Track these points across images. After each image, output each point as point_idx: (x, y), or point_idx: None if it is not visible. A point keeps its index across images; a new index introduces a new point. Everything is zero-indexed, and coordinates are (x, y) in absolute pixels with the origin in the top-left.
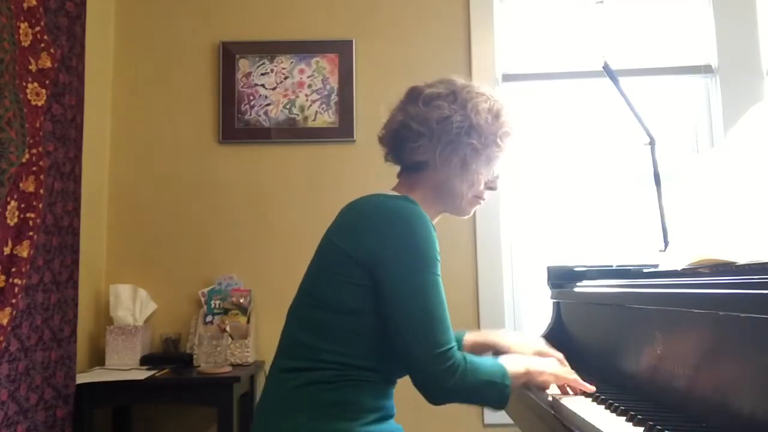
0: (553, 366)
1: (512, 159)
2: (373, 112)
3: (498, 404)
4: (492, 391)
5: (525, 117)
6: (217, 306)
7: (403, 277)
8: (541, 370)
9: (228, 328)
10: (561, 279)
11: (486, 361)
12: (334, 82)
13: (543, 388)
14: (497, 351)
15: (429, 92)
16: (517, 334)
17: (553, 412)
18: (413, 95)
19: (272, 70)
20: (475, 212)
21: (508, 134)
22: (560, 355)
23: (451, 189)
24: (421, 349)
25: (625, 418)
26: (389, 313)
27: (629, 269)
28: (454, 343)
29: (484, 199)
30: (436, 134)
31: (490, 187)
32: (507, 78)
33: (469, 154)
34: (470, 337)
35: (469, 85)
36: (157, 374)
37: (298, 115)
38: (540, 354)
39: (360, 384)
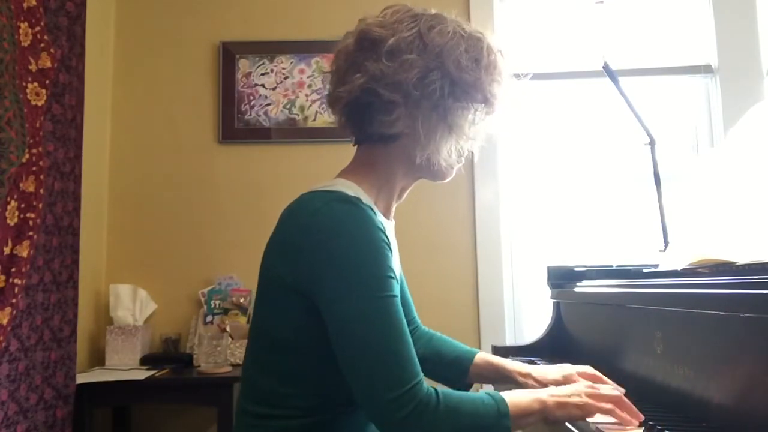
0: (580, 390)
1: (507, 106)
2: None
3: None
4: None
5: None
6: (217, 306)
7: (340, 308)
8: (563, 401)
9: (228, 328)
10: (561, 279)
11: (474, 397)
12: None
13: (572, 421)
14: (511, 380)
15: (393, 42)
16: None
17: None
18: (367, 43)
19: (272, 70)
20: (475, 213)
21: (498, 83)
22: (596, 373)
23: (434, 158)
24: (373, 395)
25: None
26: (335, 352)
27: (629, 269)
28: (416, 380)
29: (465, 158)
30: (413, 101)
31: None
32: None
33: (457, 119)
34: (482, 358)
35: (432, 18)
36: (157, 374)
37: (298, 115)
38: (567, 379)
39: (332, 422)
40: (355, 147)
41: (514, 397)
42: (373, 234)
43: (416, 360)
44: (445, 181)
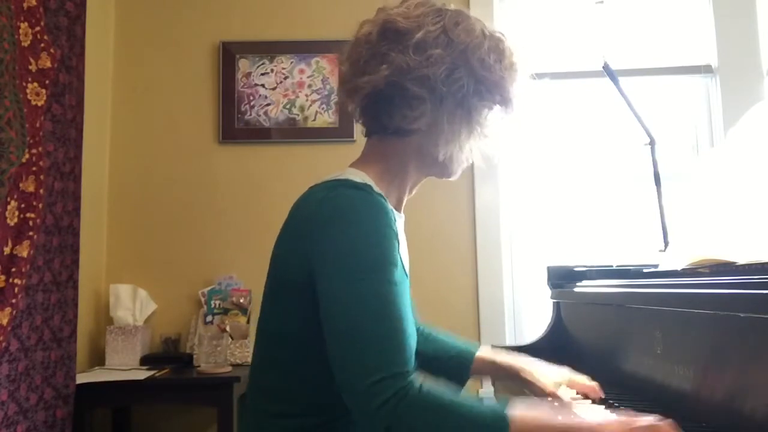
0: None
1: (522, 108)
2: None
3: None
4: None
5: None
6: (217, 306)
7: (334, 288)
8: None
9: (228, 328)
10: (561, 279)
11: (469, 402)
12: (334, 82)
13: None
14: (512, 377)
15: (420, 36)
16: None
17: None
18: (392, 33)
19: (272, 70)
20: (475, 213)
21: (517, 84)
22: (593, 384)
23: (456, 155)
24: (351, 379)
25: None
26: (325, 335)
27: (629, 269)
28: (402, 369)
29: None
30: (438, 97)
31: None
32: None
33: (480, 118)
34: (482, 355)
35: (456, 14)
36: (157, 374)
37: (298, 115)
38: (571, 383)
39: (349, 421)
40: (366, 139)
41: (527, 415)
42: (379, 218)
43: (410, 351)
44: (452, 179)
